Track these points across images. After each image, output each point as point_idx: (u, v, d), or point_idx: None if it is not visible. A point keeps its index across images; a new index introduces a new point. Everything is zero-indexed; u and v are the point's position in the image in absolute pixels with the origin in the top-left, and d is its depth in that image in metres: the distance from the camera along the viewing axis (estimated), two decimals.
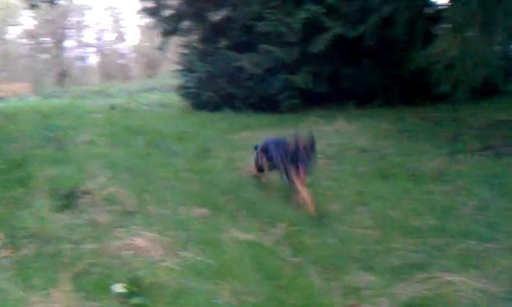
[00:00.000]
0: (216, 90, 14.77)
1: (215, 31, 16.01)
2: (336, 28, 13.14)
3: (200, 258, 3.94)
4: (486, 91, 13.06)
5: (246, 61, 13.92)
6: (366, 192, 5.93)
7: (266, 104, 13.79)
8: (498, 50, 13.89)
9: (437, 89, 10.74)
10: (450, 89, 10.24)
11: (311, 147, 5.43)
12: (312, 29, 13.44)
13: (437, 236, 4.52)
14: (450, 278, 3.64)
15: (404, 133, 9.62)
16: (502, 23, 10.42)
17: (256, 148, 6.54)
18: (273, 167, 6.02)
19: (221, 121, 12.25)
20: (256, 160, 6.39)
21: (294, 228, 4.72)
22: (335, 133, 9.91)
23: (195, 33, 17.18)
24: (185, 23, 17.05)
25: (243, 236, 4.42)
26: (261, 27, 13.75)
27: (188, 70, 16.42)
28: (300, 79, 13.42)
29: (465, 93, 11.24)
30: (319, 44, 13.25)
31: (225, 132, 10.46)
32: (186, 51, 17.06)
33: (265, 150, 6.18)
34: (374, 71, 13.93)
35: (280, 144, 5.93)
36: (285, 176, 5.66)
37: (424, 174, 6.63)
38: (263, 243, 4.33)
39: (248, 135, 10.10)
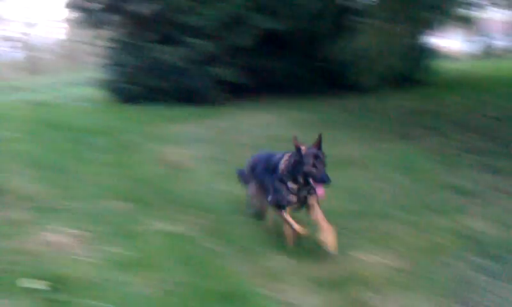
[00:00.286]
0: (143, 84, 14.53)
1: (143, 25, 15.74)
2: (263, 22, 13.30)
3: (123, 251, 3.93)
4: (402, 82, 13.80)
5: (173, 55, 13.81)
6: None
7: (194, 97, 13.74)
8: (417, 43, 14.70)
9: (360, 81, 11.16)
10: (373, 80, 10.72)
11: (317, 146, 4.00)
12: (239, 22, 13.53)
13: (357, 220, 4.76)
14: (367, 258, 3.86)
15: (329, 124, 9.92)
16: (422, 17, 11.02)
17: (240, 173, 5.20)
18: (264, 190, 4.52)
19: (148, 114, 12.07)
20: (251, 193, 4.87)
21: (220, 219, 4.79)
22: (262, 126, 10.05)
23: (123, 27, 16.85)
24: (113, 17, 16.69)
25: (168, 228, 4.45)
26: (188, 20, 13.70)
27: (115, 64, 16.09)
28: (227, 72, 13.49)
29: (387, 84, 11.82)
30: (246, 38, 13.38)
31: (151, 126, 10.31)
32: (113, 45, 16.71)
33: (251, 168, 4.82)
34: (301, 64, 14.28)
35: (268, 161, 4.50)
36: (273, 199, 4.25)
37: (347, 163, 6.90)
38: (188, 234, 4.38)
39: (174, 129, 10.03)
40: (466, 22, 14.30)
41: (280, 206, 4.16)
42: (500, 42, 37.89)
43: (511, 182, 5.94)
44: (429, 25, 12.91)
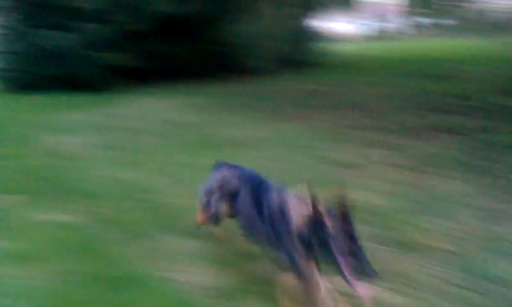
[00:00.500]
0: (35, 72, 13.87)
1: (34, 10, 15.00)
2: (157, 5, 13.14)
3: (13, 245, 3.82)
4: (296, 64, 14.29)
5: (65, 41, 13.31)
6: (186, 164, 6.17)
7: (88, 84, 13.34)
8: (307, 26, 15.24)
9: (254, 64, 11.38)
10: (266, 63, 11.00)
11: (346, 218, 2.54)
12: (133, 6, 13.29)
13: None
14: None
15: (225, 107, 10.15)
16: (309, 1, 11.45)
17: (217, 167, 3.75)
18: (250, 235, 3.27)
19: (39, 103, 11.51)
20: (207, 205, 3.62)
21: (115, 206, 4.71)
22: (158, 111, 10.03)
23: (13, 12, 15.93)
24: (4, 3, 15.74)
25: (61, 218, 4.35)
26: (80, 4, 13.24)
27: (6, 51, 15.23)
28: (122, 58, 13.23)
29: (282, 66, 12.16)
30: (141, 21, 13.18)
31: (43, 115, 9.82)
32: (4, 32, 15.79)
33: (228, 192, 3.43)
34: (197, 48, 14.34)
35: (269, 192, 3.06)
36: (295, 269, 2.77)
37: (240, 143, 7.14)
38: (82, 223, 4.30)
39: (67, 117, 9.57)
40: (347, 5, 15.06)
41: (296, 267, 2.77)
42: (392, 24, 40.11)
43: (395, 155, 6.41)
44: (314, 8, 13.46)
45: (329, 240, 2.49)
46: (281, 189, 3.02)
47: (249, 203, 3.16)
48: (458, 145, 6.85)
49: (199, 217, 3.75)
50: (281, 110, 9.54)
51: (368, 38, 34.44)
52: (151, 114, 9.61)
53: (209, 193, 3.58)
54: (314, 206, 2.59)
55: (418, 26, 40.89)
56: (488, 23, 26.85)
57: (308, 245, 2.62)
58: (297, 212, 2.72)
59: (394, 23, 41.01)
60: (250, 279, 3.34)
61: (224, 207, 3.47)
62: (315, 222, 2.57)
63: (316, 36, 16.85)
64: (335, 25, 25.15)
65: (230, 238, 3.77)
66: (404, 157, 6.34)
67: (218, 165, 3.73)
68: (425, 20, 41.13)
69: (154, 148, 7.05)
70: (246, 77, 13.49)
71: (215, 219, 3.59)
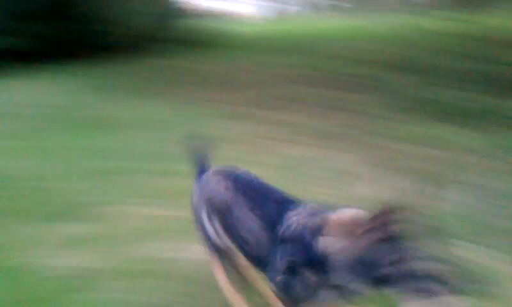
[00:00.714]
0: None
1: None
2: None
3: None
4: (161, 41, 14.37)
5: None
6: (72, 147, 6.21)
7: None
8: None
9: (125, 42, 11.21)
10: (139, 40, 10.87)
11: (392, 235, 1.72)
12: None
13: (119, 175, 5.02)
14: (141, 212, 4.12)
15: (102, 88, 10.19)
16: None
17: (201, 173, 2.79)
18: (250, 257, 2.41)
19: None
20: (203, 228, 2.63)
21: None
22: (32, 93, 9.80)
23: None
24: None
25: None
26: None
27: None
28: None
29: (155, 43, 12.04)
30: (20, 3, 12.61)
31: None
32: None
33: (218, 208, 2.49)
34: (66, 28, 13.94)
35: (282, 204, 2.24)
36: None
37: (122, 125, 7.24)
38: None
39: None
40: None
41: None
42: (291, 6, 40.86)
43: (278, 129, 6.77)
44: None
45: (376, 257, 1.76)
46: (296, 201, 2.23)
47: (251, 217, 2.33)
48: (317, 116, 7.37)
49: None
50: (150, 88, 9.76)
51: (267, 19, 34.83)
52: (25, 96, 9.43)
53: (198, 209, 2.66)
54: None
55: (316, 7, 41.96)
56: (378, 4, 28.07)
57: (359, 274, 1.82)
58: (337, 231, 1.91)
59: (294, 5, 41.79)
60: (129, 261, 3.37)
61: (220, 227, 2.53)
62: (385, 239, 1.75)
63: (188, 13, 16.72)
64: (233, 5, 25.31)
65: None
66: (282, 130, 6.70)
67: (202, 170, 2.80)
68: (323, 2, 42.24)
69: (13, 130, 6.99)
70: (115, 55, 13.32)
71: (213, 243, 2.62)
